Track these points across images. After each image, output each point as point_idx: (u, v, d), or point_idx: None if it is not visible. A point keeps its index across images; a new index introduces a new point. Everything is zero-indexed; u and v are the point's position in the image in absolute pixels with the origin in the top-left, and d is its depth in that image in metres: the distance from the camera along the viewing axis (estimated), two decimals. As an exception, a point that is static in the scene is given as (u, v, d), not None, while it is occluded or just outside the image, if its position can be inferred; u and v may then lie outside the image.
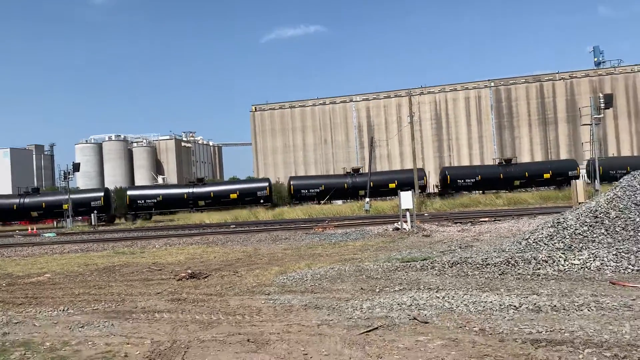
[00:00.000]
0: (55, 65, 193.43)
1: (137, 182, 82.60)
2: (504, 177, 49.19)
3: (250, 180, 56.20)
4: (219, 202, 48.98)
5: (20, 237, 34.81)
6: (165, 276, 13.26)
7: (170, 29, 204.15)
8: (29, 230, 42.27)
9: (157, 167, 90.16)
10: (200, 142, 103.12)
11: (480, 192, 48.99)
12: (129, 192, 51.06)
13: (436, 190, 52.07)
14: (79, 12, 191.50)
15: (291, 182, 52.07)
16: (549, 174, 48.39)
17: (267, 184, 50.86)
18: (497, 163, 53.04)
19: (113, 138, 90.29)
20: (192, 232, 30.58)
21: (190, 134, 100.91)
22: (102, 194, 49.93)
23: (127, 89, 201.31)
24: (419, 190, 48.48)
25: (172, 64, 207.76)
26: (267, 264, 14.61)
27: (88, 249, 22.79)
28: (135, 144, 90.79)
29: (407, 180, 47.33)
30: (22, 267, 17.05)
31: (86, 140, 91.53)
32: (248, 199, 48.92)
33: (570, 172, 47.64)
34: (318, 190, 49.92)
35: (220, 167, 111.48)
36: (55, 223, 50.70)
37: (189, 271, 13.14)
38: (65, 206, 47.44)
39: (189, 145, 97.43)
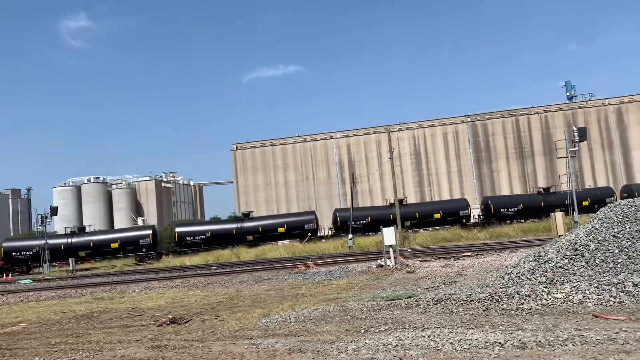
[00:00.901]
0: (31, 108, 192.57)
1: (117, 225, 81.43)
2: (545, 205, 50.07)
3: (296, 213, 56.22)
4: (267, 236, 49.73)
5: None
6: (145, 322, 12.94)
7: (151, 69, 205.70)
8: (4, 278, 41.18)
9: (137, 209, 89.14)
10: (180, 182, 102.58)
11: (523, 220, 49.78)
12: (178, 229, 50.95)
13: (478, 219, 52.80)
14: (55, 55, 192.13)
15: (337, 214, 51.64)
16: (587, 201, 48.88)
17: (313, 216, 51.28)
18: (537, 192, 54.40)
19: (92, 180, 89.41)
20: (173, 275, 30.04)
21: (171, 174, 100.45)
22: (150, 231, 49.91)
23: (106, 131, 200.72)
24: (464, 220, 50.01)
25: (152, 104, 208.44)
26: (250, 306, 14.37)
27: (65, 295, 22.20)
28: (114, 186, 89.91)
29: (450, 210, 49.97)
30: (-4, 317, 16.48)
31: (64, 183, 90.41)
32: (295, 232, 49.68)
33: (607, 199, 48.12)
34: (364, 222, 50.05)
35: (201, 207, 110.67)
36: (32, 269, 49.40)
37: (170, 316, 12.85)
38: (113, 245, 47.66)
39: (170, 185, 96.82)
